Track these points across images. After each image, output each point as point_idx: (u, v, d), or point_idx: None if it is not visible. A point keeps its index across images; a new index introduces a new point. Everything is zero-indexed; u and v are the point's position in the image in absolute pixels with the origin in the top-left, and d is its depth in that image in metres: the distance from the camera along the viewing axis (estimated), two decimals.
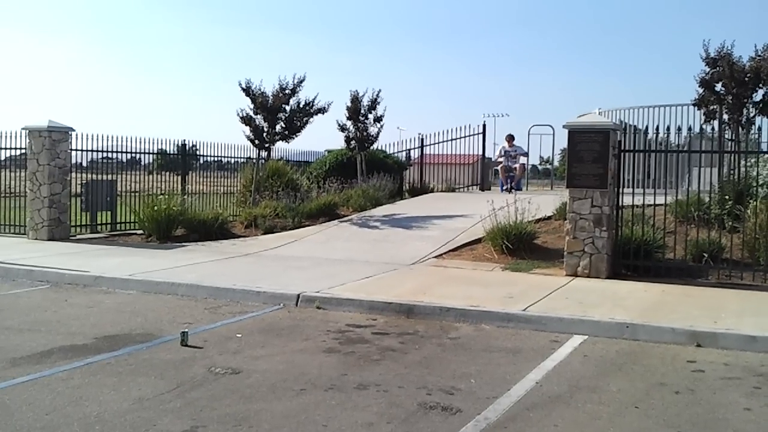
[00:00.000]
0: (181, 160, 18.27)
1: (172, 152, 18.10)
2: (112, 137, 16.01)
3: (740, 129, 13.14)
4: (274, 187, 17.00)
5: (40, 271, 10.54)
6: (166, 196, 15.36)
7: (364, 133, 18.61)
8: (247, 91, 16.24)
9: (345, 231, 14.64)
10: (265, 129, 16.41)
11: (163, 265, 10.99)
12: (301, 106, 16.62)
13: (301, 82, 16.52)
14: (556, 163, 41.90)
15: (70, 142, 15.09)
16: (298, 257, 12.14)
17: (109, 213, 16.10)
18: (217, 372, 5.91)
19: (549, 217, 13.41)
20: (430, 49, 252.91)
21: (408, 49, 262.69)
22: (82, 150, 15.54)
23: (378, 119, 18.73)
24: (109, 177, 16.61)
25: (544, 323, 7.68)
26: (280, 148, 18.78)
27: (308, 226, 15.29)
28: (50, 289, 9.79)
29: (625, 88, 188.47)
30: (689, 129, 11.71)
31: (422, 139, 22.98)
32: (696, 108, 14.33)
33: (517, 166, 20.99)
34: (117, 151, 16.69)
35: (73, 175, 15.49)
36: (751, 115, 13.11)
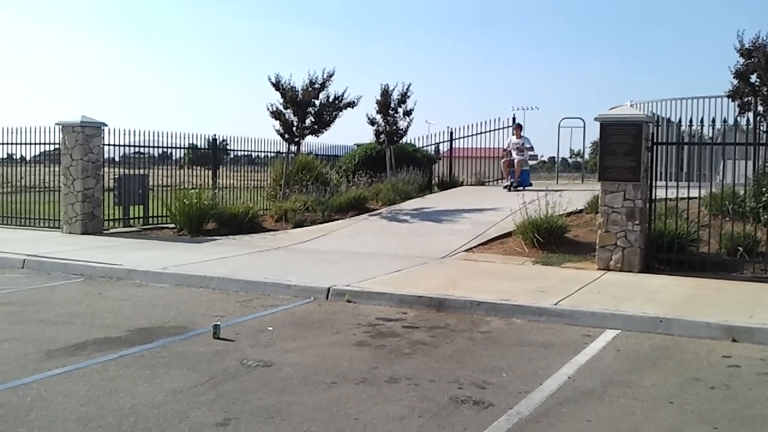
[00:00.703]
0: (212, 154, 18.39)
1: (202, 147, 18.24)
2: (144, 132, 16.17)
3: None
4: (304, 181, 17.06)
5: (74, 264, 10.68)
6: (197, 191, 15.48)
7: (394, 127, 18.61)
8: (277, 85, 16.28)
9: (374, 225, 14.65)
10: (295, 123, 16.45)
11: (195, 258, 11.08)
12: (330, 100, 16.62)
13: (331, 76, 16.54)
14: (586, 156, 41.54)
15: (103, 137, 15.25)
16: (328, 251, 12.17)
17: (141, 207, 16.28)
18: (249, 365, 5.94)
19: (580, 211, 13.30)
20: (459, 41, 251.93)
21: (436, 42, 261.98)
22: (114, 145, 15.71)
23: (408, 113, 18.73)
24: (142, 171, 16.76)
25: (576, 317, 7.61)
26: (310, 142, 18.85)
27: (338, 219, 15.33)
28: (84, 282, 9.92)
29: (657, 80, 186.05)
30: (724, 121, 11.50)
31: (452, 133, 22.94)
32: (730, 100, 14.11)
33: (517, 159, 18.51)
34: (149, 146, 16.82)
35: (106, 169, 15.67)
36: None
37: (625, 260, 10.24)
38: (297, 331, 7.17)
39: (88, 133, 14.84)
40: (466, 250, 11.93)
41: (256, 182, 19.39)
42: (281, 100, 16.31)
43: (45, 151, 16.09)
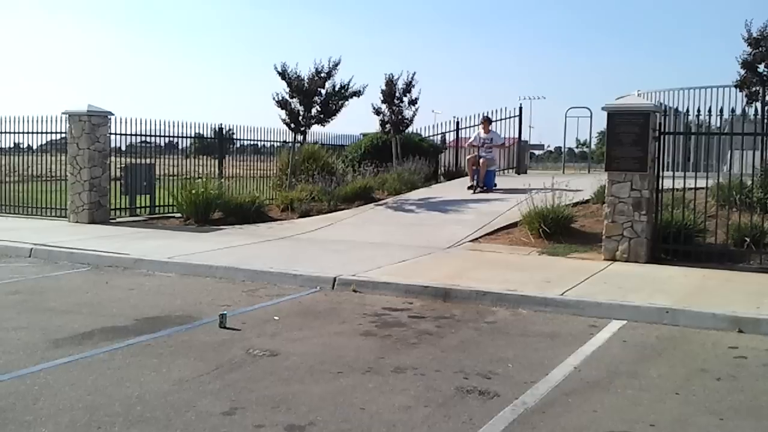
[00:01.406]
0: (218, 144, 18.40)
1: (208, 136, 18.24)
2: (151, 121, 16.17)
3: None
4: (310, 171, 17.05)
5: (81, 253, 10.71)
6: (204, 180, 15.50)
7: (399, 117, 18.58)
8: (283, 74, 16.26)
9: (380, 214, 14.65)
10: (301, 112, 16.44)
11: (202, 248, 11.10)
12: (336, 89, 16.60)
13: (337, 65, 16.51)
14: (593, 146, 41.44)
15: (110, 126, 15.26)
16: (334, 240, 12.18)
17: (147, 196, 16.30)
18: (256, 354, 5.96)
19: (587, 201, 13.28)
20: (465, 30, 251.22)
21: (442, 31, 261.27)
22: (121, 134, 15.72)
23: (413, 102, 18.70)
24: (148, 161, 16.77)
25: (582, 308, 7.61)
26: (316, 131, 18.82)
27: (344, 209, 15.33)
28: (91, 271, 9.95)
29: (664, 69, 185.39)
30: (731, 111, 11.44)
31: (458, 122, 22.85)
32: (738, 90, 14.04)
33: (482, 159, 16.75)
34: (155, 135, 16.80)
35: (113, 158, 15.68)
36: None
37: (632, 251, 10.21)
38: (303, 321, 7.18)
39: (94, 122, 14.85)
40: (472, 240, 11.92)
41: (262, 172, 19.38)
42: (287, 89, 16.30)
43: (52, 140, 16.11)
